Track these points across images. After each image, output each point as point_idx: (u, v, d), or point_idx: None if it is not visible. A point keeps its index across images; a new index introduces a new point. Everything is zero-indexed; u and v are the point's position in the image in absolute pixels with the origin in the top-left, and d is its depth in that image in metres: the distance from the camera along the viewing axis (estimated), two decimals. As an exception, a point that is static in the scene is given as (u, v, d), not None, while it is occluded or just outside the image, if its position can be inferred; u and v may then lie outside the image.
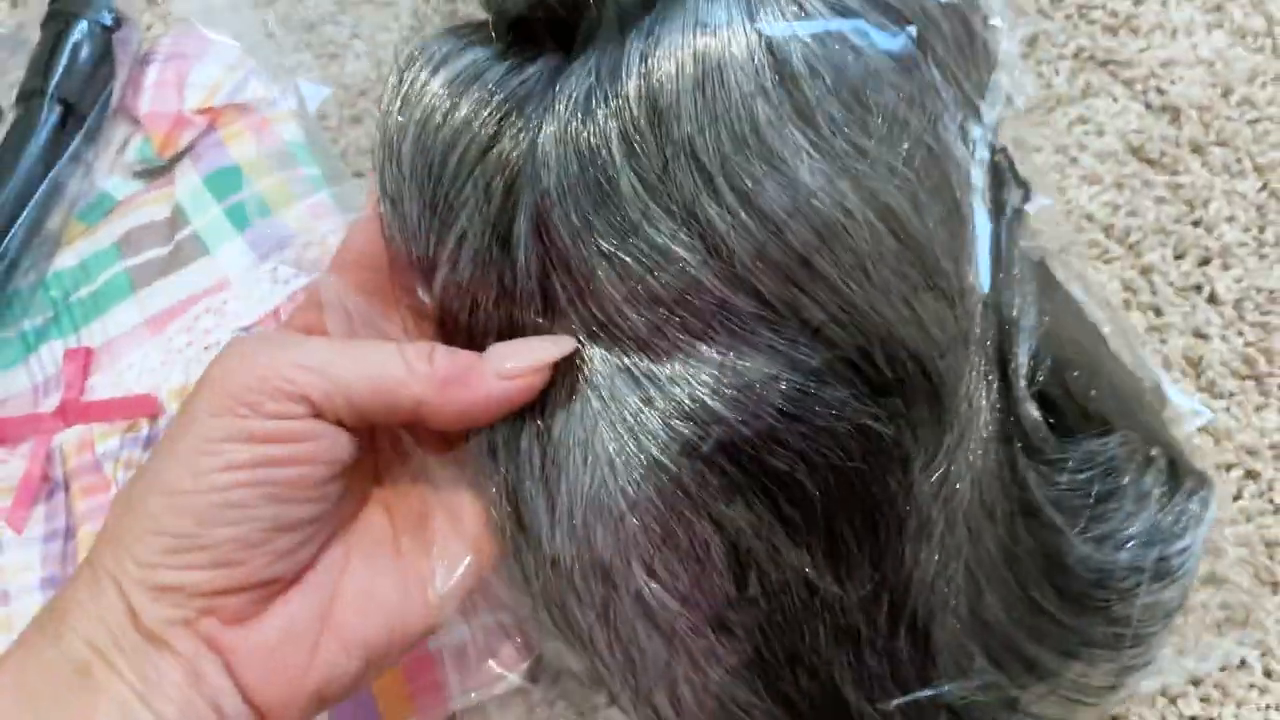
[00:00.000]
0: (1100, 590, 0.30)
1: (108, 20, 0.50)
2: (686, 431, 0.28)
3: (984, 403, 0.30)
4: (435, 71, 0.30)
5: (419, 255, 0.30)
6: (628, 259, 0.28)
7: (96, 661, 0.25)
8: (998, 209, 0.31)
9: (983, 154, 0.30)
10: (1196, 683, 0.37)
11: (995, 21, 0.31)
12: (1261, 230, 0.45)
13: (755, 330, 0.28)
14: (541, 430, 0.30)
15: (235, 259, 0.45)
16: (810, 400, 0.28)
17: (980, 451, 0.30)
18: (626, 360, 0.29)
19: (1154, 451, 0.32)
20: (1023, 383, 0.30)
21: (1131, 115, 0.48)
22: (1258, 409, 0.42)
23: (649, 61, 0.28)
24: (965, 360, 0.29)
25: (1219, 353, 0.43)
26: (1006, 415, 0.30)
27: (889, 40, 0.28)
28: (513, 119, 0.30)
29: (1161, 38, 0.50)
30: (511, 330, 0.30)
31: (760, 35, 0.28)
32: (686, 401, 0.28)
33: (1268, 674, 0.37)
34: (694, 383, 0.28)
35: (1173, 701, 0.37)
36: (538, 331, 0.30)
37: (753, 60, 0.27)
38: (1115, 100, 0.49)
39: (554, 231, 0.28)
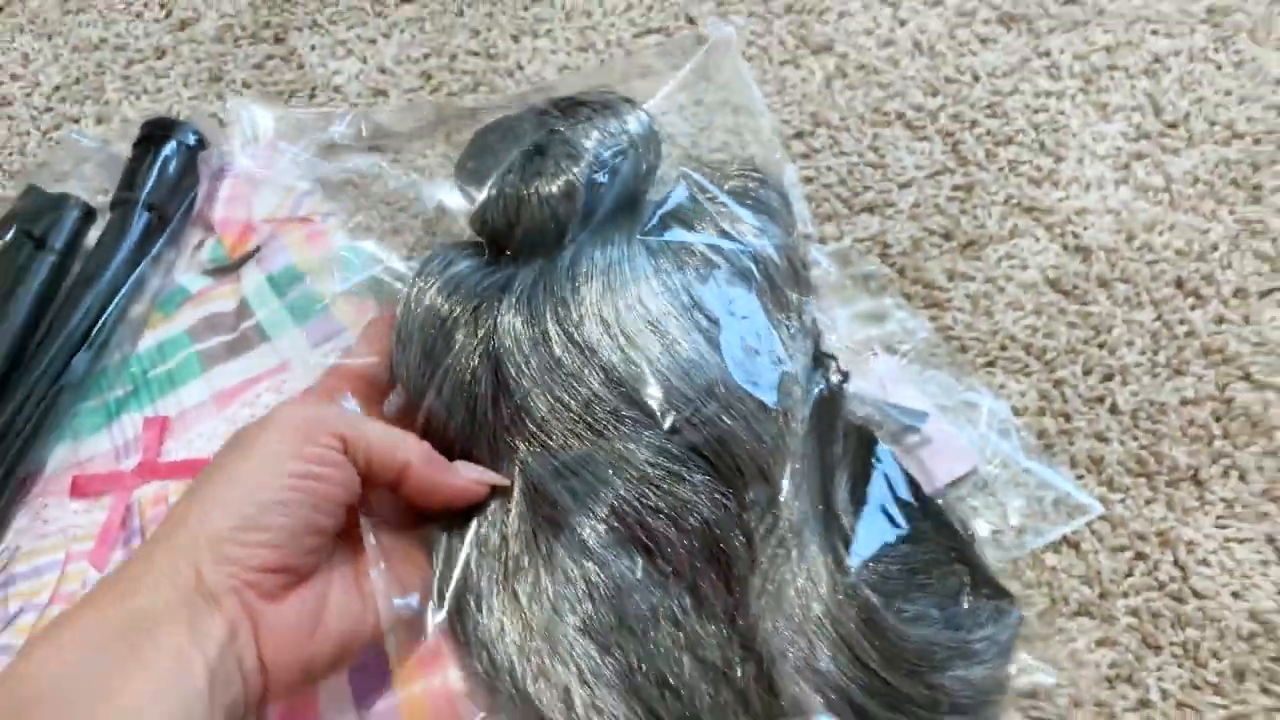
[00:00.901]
0: (914, 657, 0.38)
1: (192, 141, 0.59)
2: (590, 504, 0.40)
3: (809, 505, 0.40)
4: (442, 271, 0.46)
5: (415, 383, 0.44)
6: (552, 384, 0.41)
7: (163, 613, 0.33)
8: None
9: (803, 342, 0.45)
10: (1090, 728, 0.44)
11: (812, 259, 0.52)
12: (1155, 353, 0.54)
13: (639, 431, 0.40)
14: (489, 518, 0.42)
15: (293, 346, 0.53)
16: (677, 479, 0.40)
17: (809, 538, 0.40)
18: (549, 456, 0.41)
19: (958, 566, 0.42)
20: (840, 500, 0.42)
21: (1050, 254, 0.57)
22: (1148, 502, 0.49)
23: (572, 262, 0.44)
24: (789, 466, 0.41)
25: (1117, 454, 0.51)
26: (830, 518, 0.41)
27: (735, 258, 0.45)
28: (485, 304, 0.44)
29: (1077, 190, 0.60)
30: (474, 441, 0.43)
31: (644, 245, 0.45)
32: (591, 480, 0.40)
33: (1150, 723, 0.44)
34: (596, 469, 0.40)
35: (1070, 744, 0.44)
36: (492, 438, 0.42)
37: (640, 260, 0.44)
38: (1037, 240, 0.58)
39: (503, 370, 0.42)
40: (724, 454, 0.40)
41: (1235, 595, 0.47)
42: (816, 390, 0.44)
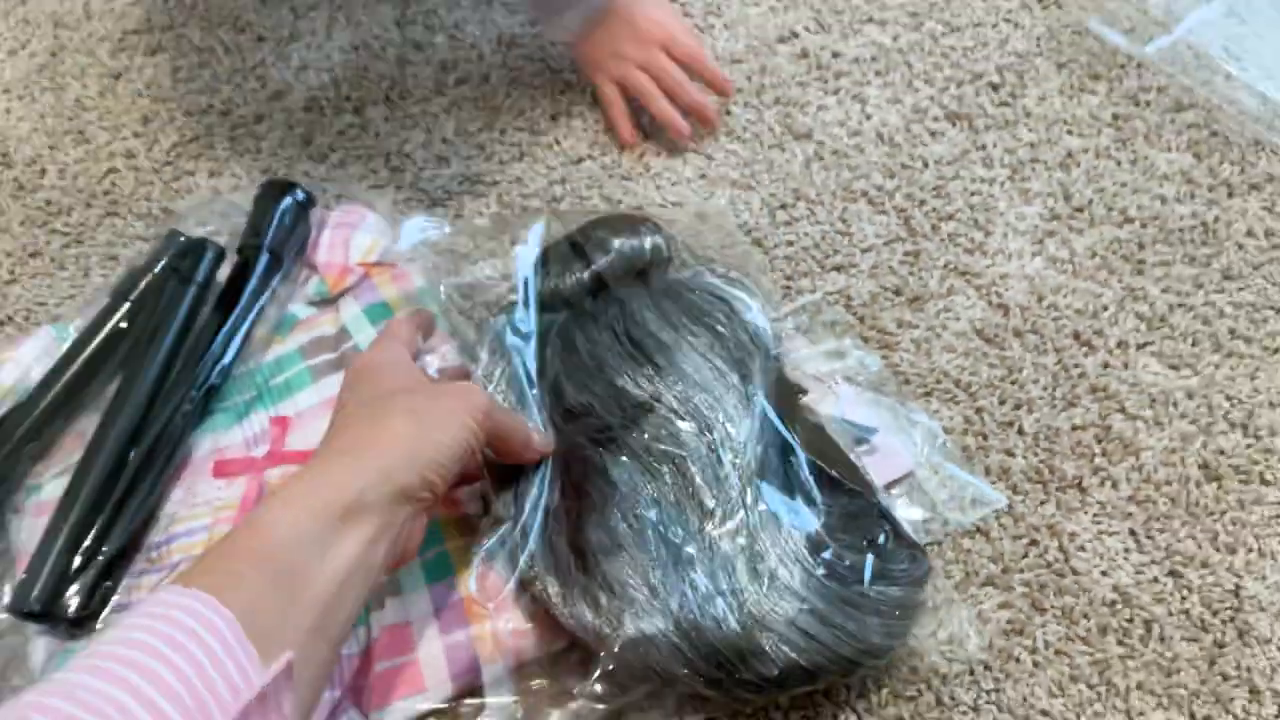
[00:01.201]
0: (847, 571, 0.53)
1: (301, 197, 0.73)
2: (610, 449, 0.57)
3: (773, 461, 0.57)
4: (508, 314, 0.64)
5: (486, 372, 0.62)
6: (579, 375, 0.60)
7: (372, 504, 0.48)
8: (784, 390, 0.62)
9: (765, 363, 0.62)
10: (989, 666, 0.59)
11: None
12: (1054, 390, 0.69)
13: (640, 402, 0.58)
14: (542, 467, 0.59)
15: (384, 365, 0.67)
16: (667, 433, 0.57)
17: (771, 482, 0.56)
18: (579, 423, 0.59)
19: (884, 522, 0.57)
20: (800, 460, 0.57)
21: (978, 309, 0.73)
22: (1041, 503, 0.64)
23: (595, 303, 0.65)
24: (750, 426, 0.57)
25: (1020, 465, 0.66)
26: (790, 474, 0.57)
27: (720, 309, 0.64)
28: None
29: (1002, 259, 0.75)
30: (524, 414, 0.61)
31: (651, 293, 0.63)
32: (608, 435, 0.58)
33: (1035, 664, 0.59)
34: (611, 426, 0.58)
35: (974, 678, 0.58)
36: (539, 414, 0.61)
37: (648, 300, 0.63)
38: (968, 298, 0.73)
39: (545, 369, 0.61)
40: (697, 414, 0.57)
41: (1103, 573, 0.62)
42: (775, 392, 0.61)
